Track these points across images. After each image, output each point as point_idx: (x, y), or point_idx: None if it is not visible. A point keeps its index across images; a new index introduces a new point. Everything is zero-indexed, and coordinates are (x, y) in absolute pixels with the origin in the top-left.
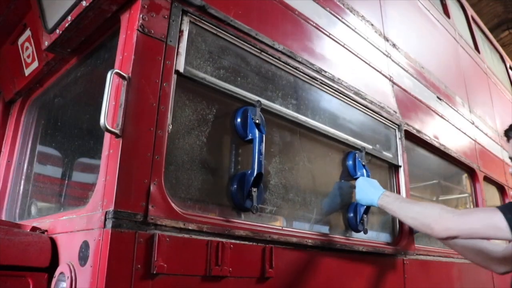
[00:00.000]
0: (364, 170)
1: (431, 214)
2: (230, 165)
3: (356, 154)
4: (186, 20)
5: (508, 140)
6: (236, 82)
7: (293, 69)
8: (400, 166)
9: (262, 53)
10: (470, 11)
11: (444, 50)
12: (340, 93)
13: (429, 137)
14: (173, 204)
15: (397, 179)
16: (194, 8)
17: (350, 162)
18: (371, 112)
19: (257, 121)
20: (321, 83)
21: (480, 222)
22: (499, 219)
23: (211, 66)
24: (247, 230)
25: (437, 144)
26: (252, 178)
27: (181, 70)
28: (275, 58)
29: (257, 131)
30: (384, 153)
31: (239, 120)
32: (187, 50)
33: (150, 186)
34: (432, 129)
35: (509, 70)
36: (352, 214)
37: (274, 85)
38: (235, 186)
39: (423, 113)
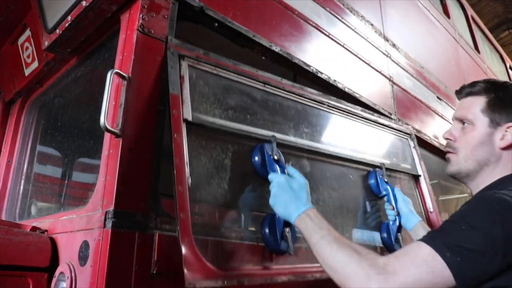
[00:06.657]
0: (388, 187)
1: (355, 274)
2: (257, 207)
3: (377, 172)
4: (184, 65)
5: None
6: (246, 121)
7: (299, 97)
8: (420, 175)
9: (266, 85)
10: (470, 11)
11: (444, 50)
12: (348, 112)
13: (429, 137)
14: (206, 263)
15: (420, 189)
16: (191, 55)
17: (372, 181)
18: (381, 125)
19: (275, 157)
20: (328, 105)
21: (420, 281)
22: (441, 266)
23: (219, 109)
24: (288, 274)
25: (437, 144)
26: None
27: (190, 118)
28: (280, 88)
29: (278, 167)
30: (402, 165)
31: (256, 158)
32: (191, 97)
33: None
34: (432, 129)
35: (509, 70)
36: (267, 229)
37: (284, 117)
38: (267, 229)
39: (423, 113)
